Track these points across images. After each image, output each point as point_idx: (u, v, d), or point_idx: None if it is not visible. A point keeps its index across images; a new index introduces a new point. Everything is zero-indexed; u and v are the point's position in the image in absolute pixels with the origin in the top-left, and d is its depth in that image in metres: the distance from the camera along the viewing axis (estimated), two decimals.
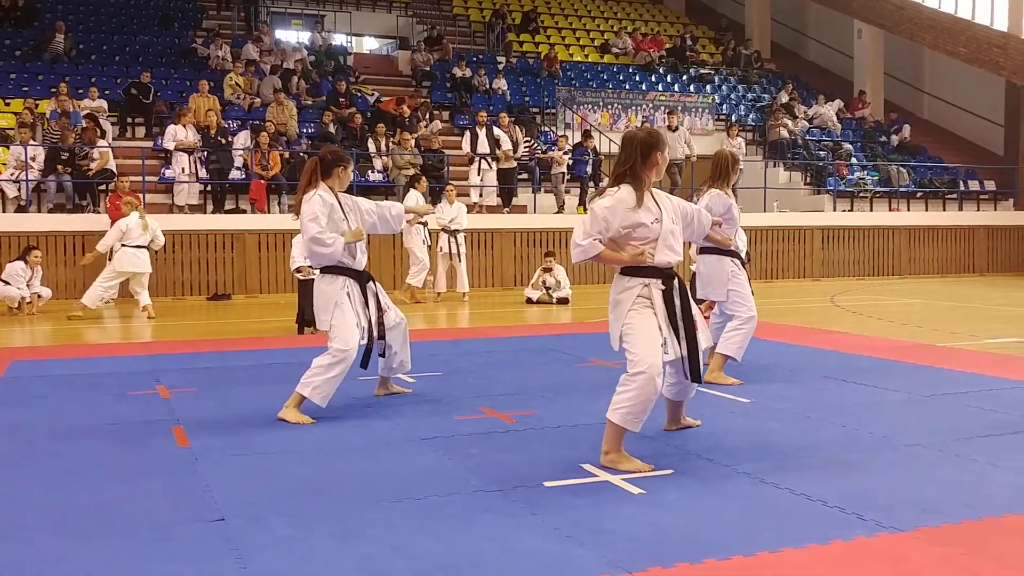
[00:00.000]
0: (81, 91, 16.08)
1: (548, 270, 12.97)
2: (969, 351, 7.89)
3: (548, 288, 12.81)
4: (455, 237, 12.98)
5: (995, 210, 20.21)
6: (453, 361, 7.47)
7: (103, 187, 14.19)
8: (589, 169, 16.92)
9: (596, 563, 3.09)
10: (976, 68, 21.87)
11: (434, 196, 14.26)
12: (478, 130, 16.13)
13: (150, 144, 15.57)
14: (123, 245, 10.97)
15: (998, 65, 21.20)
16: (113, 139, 15.47)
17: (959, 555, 3.13)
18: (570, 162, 16.89)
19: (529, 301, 12.82)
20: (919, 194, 19.82)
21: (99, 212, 13.70)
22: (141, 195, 13.29)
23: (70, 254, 13.17)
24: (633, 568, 3.03)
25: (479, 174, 16.01)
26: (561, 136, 17.45)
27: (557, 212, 16.46)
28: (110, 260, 11.20)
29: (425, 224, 12.77)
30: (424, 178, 13.32)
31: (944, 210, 19.79)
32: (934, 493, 3.81)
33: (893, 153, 21.06)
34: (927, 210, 19.65)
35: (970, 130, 23.70)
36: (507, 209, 16.36)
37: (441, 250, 13.10)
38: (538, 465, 4.28)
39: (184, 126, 14.69)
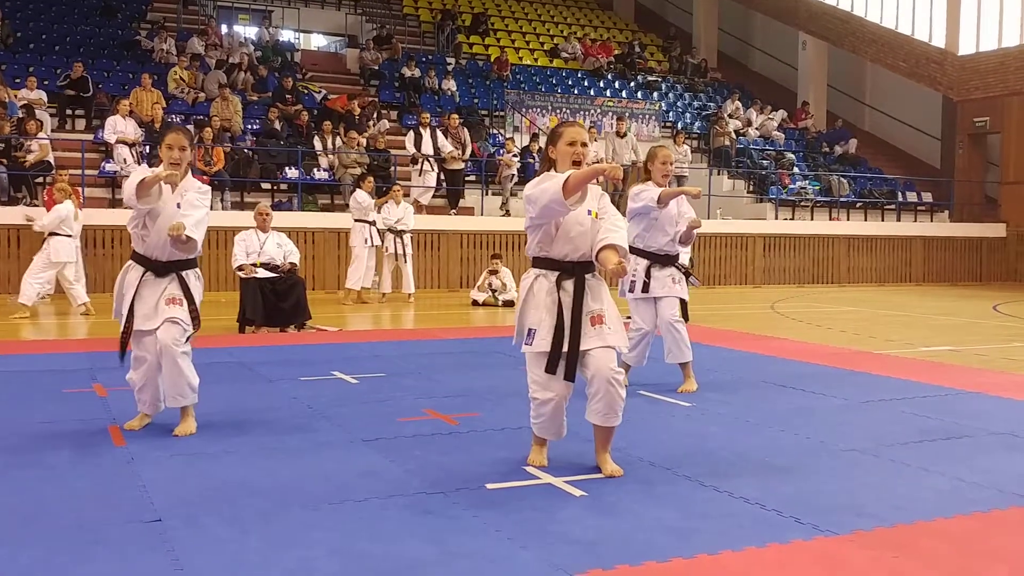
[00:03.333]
0: (19, 80, 15.69)
1: (494, 272, 12.98)
2: (904, 358, 8.07)
3: (494, 290, 12.82)
4: (401, 238, 12.92)
5: (931, 221, 20.73)
6: (397, 362, 7.43)
7: (40, 180, 13.86)
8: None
9: (537, 565, 3.10)
10: (915, 83, 22.43)
11: (380, 196, 14.17)
12: (422, 130, 16.06)
13: (90, 137, 15.26)
14: (55, 234, 10.56)
15: (935, 80, 21.77)
16: (52, 131, 15.12)
17: (891, 558, 3.20)
18: (519, 165, 16.93)
19: (475, 303, 12.82)
20: (859, 204, 20.24)
21: (36, 204, 13.37)
22: (80, 188, 13.01)
23: (4, 247, 12.84)
24: (574, 570, 3.04)
25: (420, 175, 15.95)
26: (508, 139, 17.46)
27: (505, 215, 16.48)
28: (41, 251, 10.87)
29: (372, 223, 12.69)
30: (371, 177, 13.24)
31: (882, 220, 20.26)
32: (869, 497, 3.88)
33: (834, 164, 21.48)
34: (866, 220, 20.09)
35: (909, 143, 24.31)
36: (454, 211, 16.33)
37: (387, 251, 13.02)
38: (481, 467, 4.27)
39: (123, 117, 14.41)
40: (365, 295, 13.01)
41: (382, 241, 12.97)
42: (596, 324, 4.11)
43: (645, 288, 6.21)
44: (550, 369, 4.10)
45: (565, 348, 4.07)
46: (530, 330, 4.16)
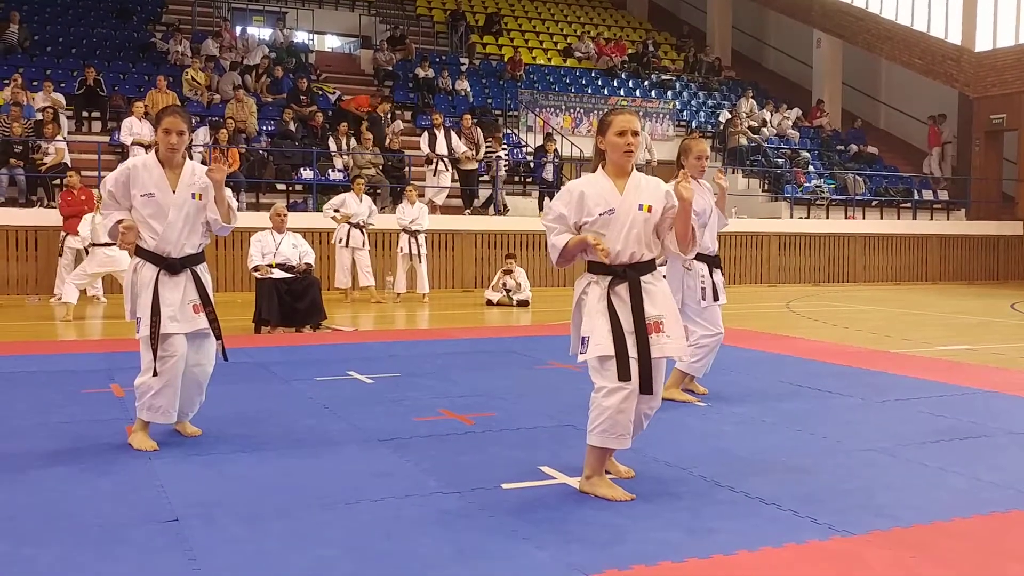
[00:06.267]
0: (36, 83, 15.79)
1: (508, 272, 12.98)
2: (921, 357, 8.03)
3: (508, 290, 12.82)
4: (415, 238, 12.94)
5: (947, 219, 20.60)
6: (412, 362, 7.44)
7: (57, 182, 13.96)
8: (550, 174, 16.97)
9: (553, 565, 3.10)
10: (931, 80, 22.30)
11: (395, 197, 14.21)
12: (436, 131, 16.09)
13: (106, 139, 15.35)
14: (94, 244, 10.65)
15: (951, 77, 21.63)
16: (69, 133, 15.22)
17: (909, 558, 3.18)
18: (531, 165, 16.96)
19: (489, 303, 12.82)
20: (874, 202, 20.14)
21: (52, 207, 13.46)
22: (96, 190, 13.09)
23: (21, 249, 12.94)
24: (590, 570, 3.04)
25: (435, 175, 15.98)
26: (495, 137, 17.45)
27: (499, 215, 16.49)
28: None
29: (358, 226, 12.77)
30: (360, 180, 13.38)
31: (898, 219, 20.15)
32: (886, 497, 3.87)
33: (849, 162, 21.38)
34: (882, 218, 19.99)
35: (924, 141, 24.13)
36: (468, 211, 16.35)
37: (401, 251, 13.05)
38: (496, 467, 4.27)
39: (139, 119, 14.49)
40: (378, 294, 13.10)
41: (396, 242, 13.05)
42: (653, 332, 3.82)
43: (716, 295, 5.83)
44: (624, 376, 3.71)
45: (633, 354, 3.75)
46: (584, 338, 3.84)
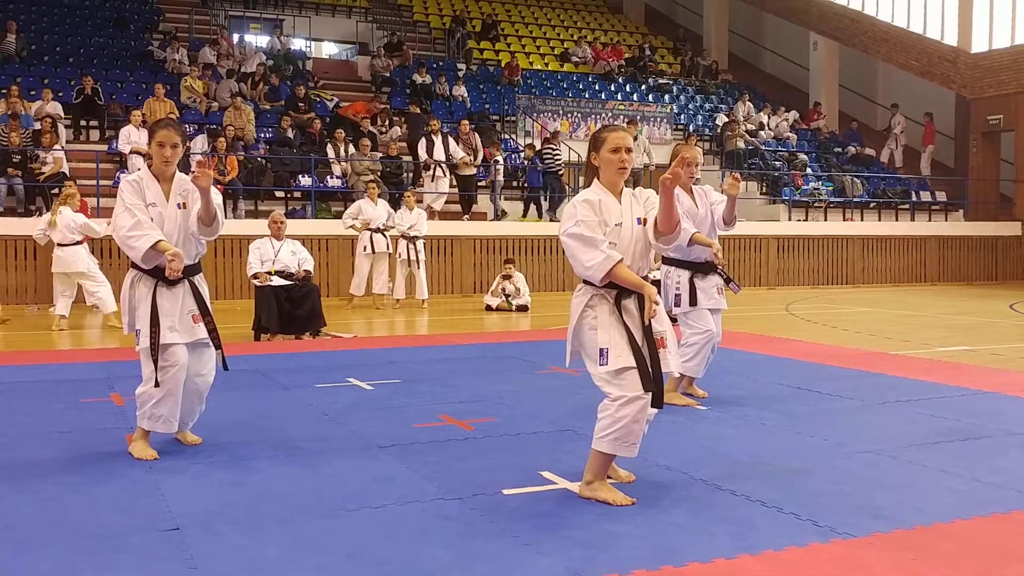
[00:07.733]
0: (34, 93, 15.80)
1: (508, 277, 12.98)
2: (921, 359, 8.03)
3: (507, 295, 12.82)
4: (414, 244, 12.95)
5: (946, 221, 20.61)
6: (411, 368, 7.44)
7: (56, 191, 13.95)
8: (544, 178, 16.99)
9: (555, 570, 3.09)
10: (927, 81, 22.34)
11: (393, 203, 14.21)
12: (434, 137, 16.11)
13: (104, 148, 15.35)
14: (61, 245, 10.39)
15: (948, 79, 21.67)
16: (67, 142, 15.23)
17: (909, 560, 3.18)
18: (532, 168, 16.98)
19: (488, 308, 12.82)
20: (872, 204, 20.15)
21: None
22: (96, 199, 13.09)
23: (20, 258, 12.93)
24: (591, 574, 3.04)
25: (433, 181, 15.99)
26: (495, 143, 17.44)
27: (496, 219, 16.50)
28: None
29: (379, 230, 12.79)
30: (373, 184, 13.41)
31: (896, 220, 20.16)
32: (887, 499, 3.87)
33: (847, 164, 21.40)
34: (880, 220, 19.99)
35: (922, 141, 24.16)
36: (467, 216, 16.35)
37: (400, 256, 13.06)
38: (497, 473, 4.27)
39: (137, 128, 14.50)
40: (378, 301, 13.11)
41: (392, 248, 13.06)
42: (660, 347, 3.86)
43: (693, 301, 5.88)
44: (648, 386, 3.72)
45: (649, 369, 3.76)
46: (602, 350, 3.79)
